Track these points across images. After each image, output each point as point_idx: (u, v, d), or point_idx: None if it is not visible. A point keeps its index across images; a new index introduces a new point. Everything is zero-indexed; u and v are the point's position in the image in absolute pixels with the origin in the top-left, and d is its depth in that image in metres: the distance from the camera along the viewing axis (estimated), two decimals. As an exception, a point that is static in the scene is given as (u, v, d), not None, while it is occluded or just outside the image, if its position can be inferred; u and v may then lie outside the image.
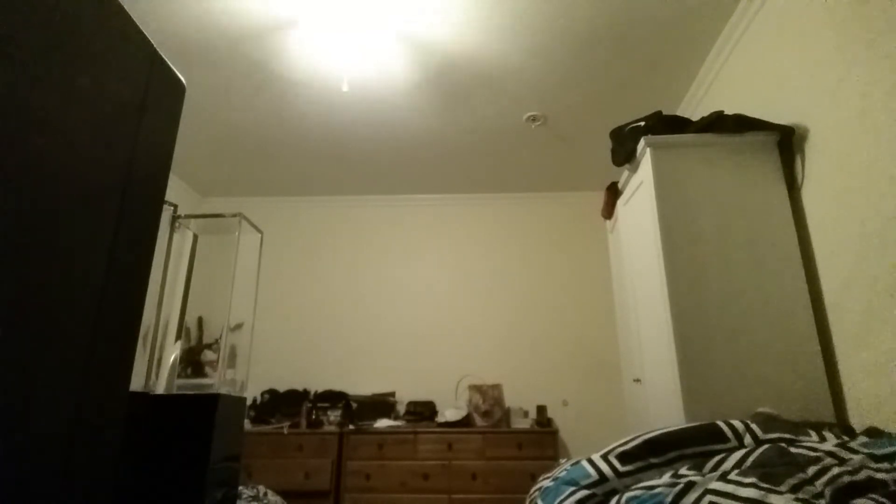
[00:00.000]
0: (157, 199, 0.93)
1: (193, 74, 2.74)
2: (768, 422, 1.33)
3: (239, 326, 3.54)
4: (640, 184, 2.14)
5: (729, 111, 2.10)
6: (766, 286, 1.82)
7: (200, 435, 1.46)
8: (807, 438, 1.24)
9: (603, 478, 1.17)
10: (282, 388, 3.78)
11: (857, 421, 1.61)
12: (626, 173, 2.35)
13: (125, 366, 0.83)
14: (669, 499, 1.01)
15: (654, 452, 1.20)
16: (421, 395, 3.80)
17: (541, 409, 3.53)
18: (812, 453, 1.09)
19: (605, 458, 1.22)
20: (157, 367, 1.70)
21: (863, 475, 0.98)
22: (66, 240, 0.70)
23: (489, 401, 3.48)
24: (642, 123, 2.12)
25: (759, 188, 1.94)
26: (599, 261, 4.05)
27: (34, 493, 0.64)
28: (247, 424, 3.35)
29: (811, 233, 1.86)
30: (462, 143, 3.50)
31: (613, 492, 1.15)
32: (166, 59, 0.94)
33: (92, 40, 0.75)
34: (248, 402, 3.60)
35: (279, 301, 4.13)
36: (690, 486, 1.02)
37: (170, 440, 1.46)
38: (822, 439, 1.25)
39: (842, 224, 1.70)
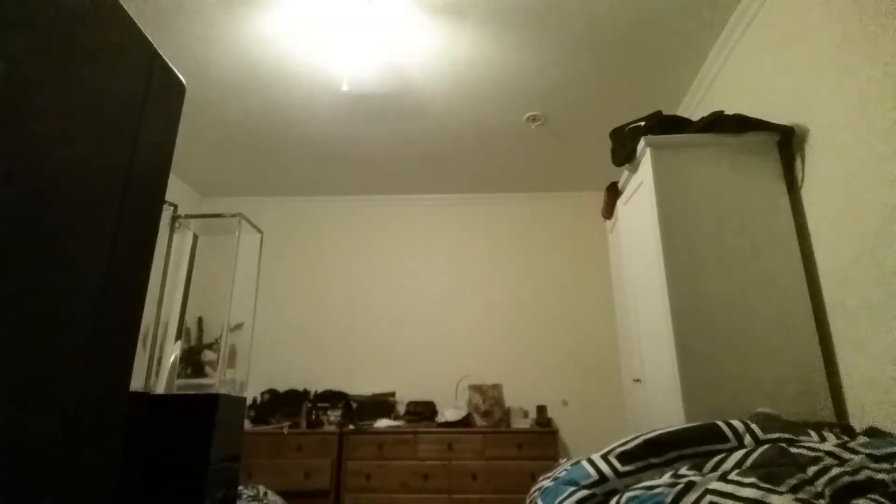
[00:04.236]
0: (157, 199, 0.93)
1: (193, 74, 2.73)
2: (768, 422, 1.33)
3: (239, 326, 3.55)
4: (640, 184, 2.14)
5: (729, 111, 2.09)
6: (766, 286, 1.82)
7: (200, 435, 1.46)
8: (807, 438, 1.24)
9: (603, 478, 1.17)
10: (282, 388, 3.78)
11: (857, 421, 1.61)
12: (626, 173, 2.35)
13: (125, 366, 0.83)
14: (669, 499, 1.01)
15: (654, 452, 1.20)
16: (421, 395, 3.80)
17: (541, 409, 3.53)
18: (812, 453, 1.09)
19: (605, 458, 1.22)
20: (157, 367, 1.70)
21: (863, 475, 0.98)
22: (66, 240, 0.70)
23: (489, 401, 3.48)
24: (642, 123, 2.12)
25: (759, 188, 1.94)
26: (599, 261, 4.05)
27: (34, 492, 0.64)
28: (247, 424, 3.35)
29: (811, 233, 1.86)
30: (462, 143, 3.50)
31: (613, 492, 1.15)
32: (166, 59, 0.94)
33: (92, 40, 0.75)
34: (248, 402, 3.60)
35: (279, 301, 4.12)
36: (690, 486, 1.02)
37: (170, 440, 1.46)
38: (822, 439, 1.25)
39: (841, 224, 1.70)
